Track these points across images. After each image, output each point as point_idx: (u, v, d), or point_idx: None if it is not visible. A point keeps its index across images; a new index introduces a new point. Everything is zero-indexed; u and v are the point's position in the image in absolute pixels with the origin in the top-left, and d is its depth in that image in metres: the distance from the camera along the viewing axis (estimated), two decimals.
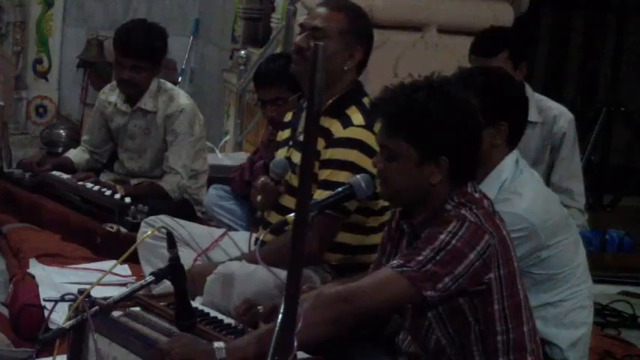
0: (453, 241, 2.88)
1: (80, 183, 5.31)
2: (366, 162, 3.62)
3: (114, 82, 5.55)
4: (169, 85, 5.53)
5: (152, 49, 5.32)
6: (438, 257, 2.87)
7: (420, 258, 2.88)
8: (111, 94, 5.53)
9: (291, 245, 2.40)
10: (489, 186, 3.34)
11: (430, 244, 2.89)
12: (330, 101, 3.80)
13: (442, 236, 2.89)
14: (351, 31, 3.82)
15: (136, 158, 5.49)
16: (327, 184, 3.68)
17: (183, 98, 5.41)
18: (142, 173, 5.47)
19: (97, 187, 5.22)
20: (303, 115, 3.71)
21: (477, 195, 3.02)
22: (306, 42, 3.80)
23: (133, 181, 5.39)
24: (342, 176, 3.67)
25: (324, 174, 3.73)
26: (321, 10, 3.86)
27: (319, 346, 2.91)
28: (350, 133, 3.75)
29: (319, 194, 3.61)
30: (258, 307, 3.23)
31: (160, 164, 5.38)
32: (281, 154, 4.02)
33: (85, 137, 5.72)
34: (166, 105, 5.35)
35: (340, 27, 3.80)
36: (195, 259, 4.07)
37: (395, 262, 2.92)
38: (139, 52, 5.26)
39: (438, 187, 2.98)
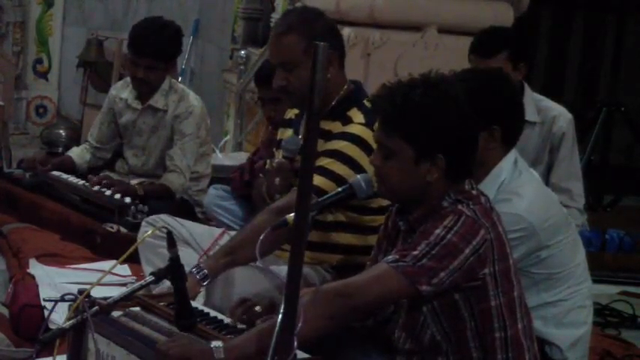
0: (449, 236, 2.88)
1: (81, 182, 5.32)
2: (360, 156, 3.63)
3: (127, 79, 5.61)
4: (181, 85, 5.59)
5: (167, 49, 5.36)
6: (433, 252, 2.86)
7: (416, 253, 2.87)
8: (122, 90, 5.58)
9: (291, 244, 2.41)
10: (488, 186, 3.34)
11: (426, 238, 2.89)
12: (331, 105, 3.79)
13: (438, 231, 2.89)
14: (314, 42, 3.75)
15: (141, 155, 5.52)
16: (319, 170, 3.63)
17: (193, 100, 5.45)
18: (145, 171, 5.50)
19: (96, 187, 5.23)
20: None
21: (474, 192, 3.02)
22: (282, 79, 3.74)
23: (134, 181, 5.40)
24: (332, 165, 3.66)
25: (319, 162, 3.67)
26: (276, 42, 3.74)
27: (317, 342, 2.91)
28: (348, 128, 3.75)
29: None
30: (256, 308, 3.23)
31: (164, 163, 5.40)
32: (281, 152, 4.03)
33: (91, 132, 5.72)
34: (176, 104, 5.40)
35: (302, 47, 3.66)
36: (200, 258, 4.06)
37: (391, 257, 2.91)
38: (154, 52, 5.29)
39: (434, 185, 2.98)
